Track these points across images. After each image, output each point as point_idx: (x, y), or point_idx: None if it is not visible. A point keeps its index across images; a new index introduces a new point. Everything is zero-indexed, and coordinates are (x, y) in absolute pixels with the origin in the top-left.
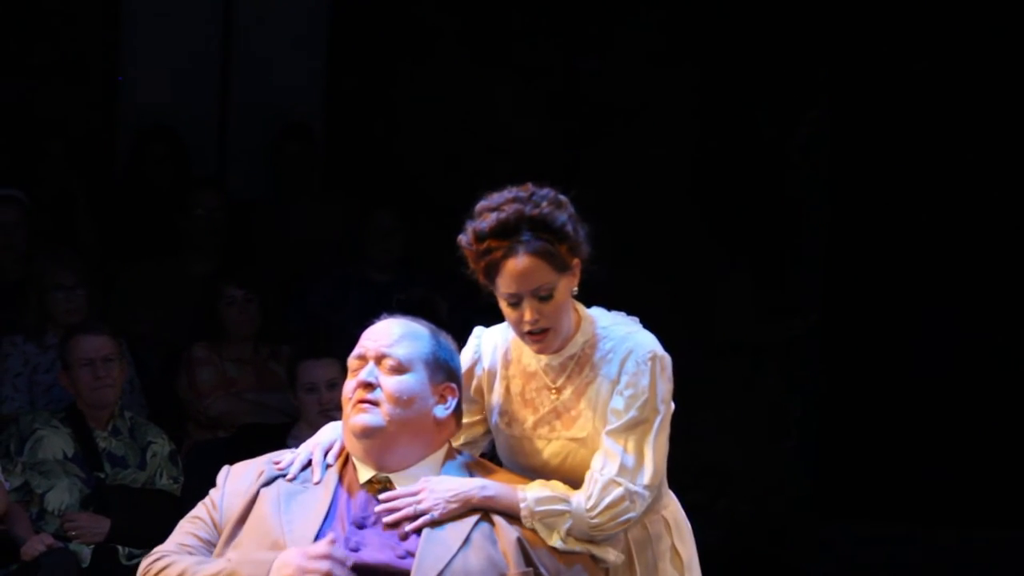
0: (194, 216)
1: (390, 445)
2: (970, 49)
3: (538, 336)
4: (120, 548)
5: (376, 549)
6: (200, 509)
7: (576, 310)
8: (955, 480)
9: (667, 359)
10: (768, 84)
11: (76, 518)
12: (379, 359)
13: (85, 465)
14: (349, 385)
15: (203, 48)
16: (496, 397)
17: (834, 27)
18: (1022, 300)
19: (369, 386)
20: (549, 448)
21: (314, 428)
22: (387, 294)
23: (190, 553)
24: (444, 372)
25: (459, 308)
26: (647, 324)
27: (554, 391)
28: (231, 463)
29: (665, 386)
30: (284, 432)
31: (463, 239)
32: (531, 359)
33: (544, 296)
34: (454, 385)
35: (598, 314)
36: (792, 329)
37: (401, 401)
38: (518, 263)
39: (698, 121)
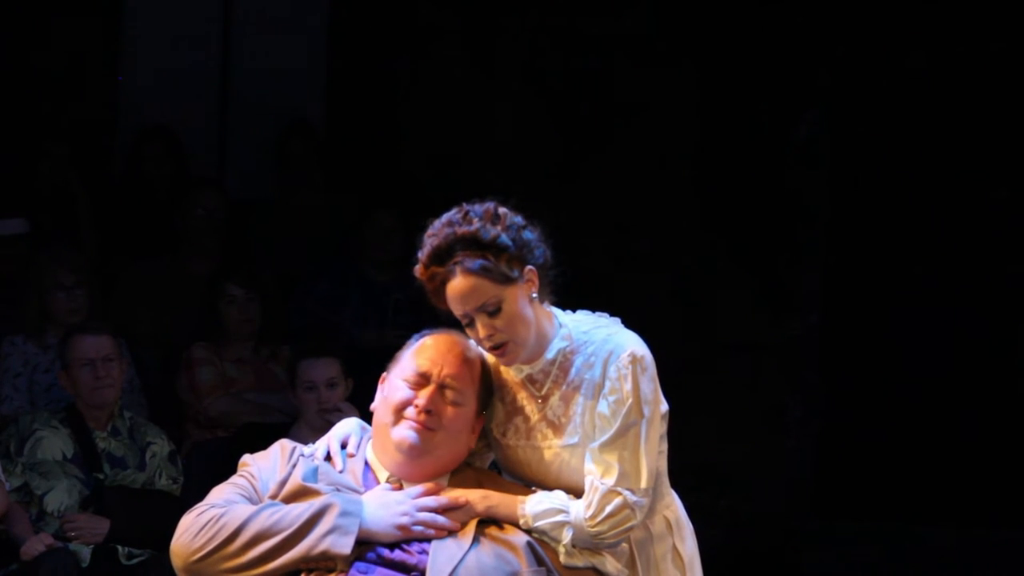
0: (194, 216)
1: (423, 466)
2: (969, 47)
3: (499, 350)
4: (120, 548)
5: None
6: (238, 479)
7: (550, 315)
8: (954, 479)
9: (648, 358)
10: (768, 83)
11: (75, 519)
12: (443, 387)
13: (84, 466)
14: (403, 395)
15: (203, 48)
16: (490, 408)
17: (833, 26)
18: (1021, 300)
19: (430, 413)
20: (544, 457)
21: (313, 427)
22: (387, 294)
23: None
24: (482, 404)
25: None
26: (648, 324)
27: (539, 399)
28: (231, 464)
29: (648, 386)
30: (284, 432)
31: (415, 271)
32: (516, 369)
33: (492, 311)
34: (484, 416)
35: (579, 318)
36: (792, 329)
37: (453, 433)
38: (456, 285)
39: (698, 120)
